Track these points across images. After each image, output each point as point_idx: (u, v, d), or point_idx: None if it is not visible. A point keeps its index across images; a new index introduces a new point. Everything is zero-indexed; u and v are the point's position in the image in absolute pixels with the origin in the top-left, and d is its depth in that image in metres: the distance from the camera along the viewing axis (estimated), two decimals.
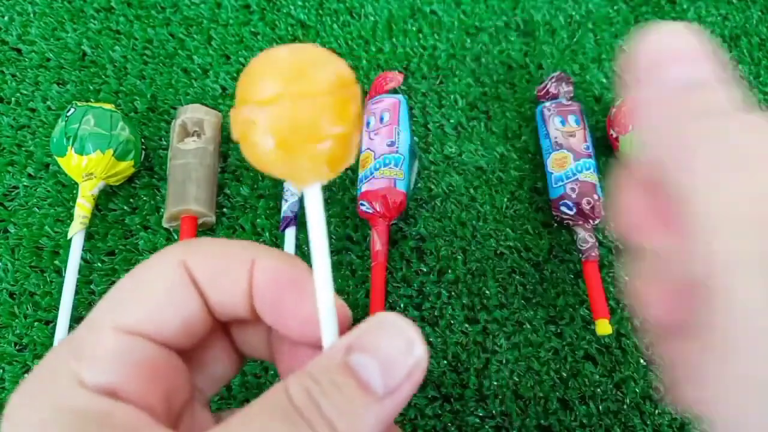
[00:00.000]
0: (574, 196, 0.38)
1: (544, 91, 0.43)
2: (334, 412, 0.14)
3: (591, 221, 0.39)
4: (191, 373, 0.18)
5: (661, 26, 0.16)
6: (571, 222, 0.39)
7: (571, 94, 0.42)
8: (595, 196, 0.38)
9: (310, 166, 0.16)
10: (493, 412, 0.35)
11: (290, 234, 0.38)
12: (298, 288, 0.17)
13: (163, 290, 0.16)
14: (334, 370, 0.15)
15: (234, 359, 0.20)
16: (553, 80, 0.42)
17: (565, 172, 0.39)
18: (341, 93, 0.15)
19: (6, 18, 0.46)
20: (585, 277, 0.38)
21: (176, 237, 0.39)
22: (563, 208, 0.39)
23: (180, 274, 0.17)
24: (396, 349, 0.15)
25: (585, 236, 0.38)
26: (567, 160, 0.39)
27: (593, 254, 0.38)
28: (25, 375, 0.34)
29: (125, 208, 0.40)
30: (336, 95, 0.15)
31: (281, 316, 0.17)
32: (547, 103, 0.42)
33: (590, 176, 0.39)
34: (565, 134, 0.40)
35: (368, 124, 0.41)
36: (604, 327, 0.36)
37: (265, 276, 0.17)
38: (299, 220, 0.39)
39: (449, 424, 0.35)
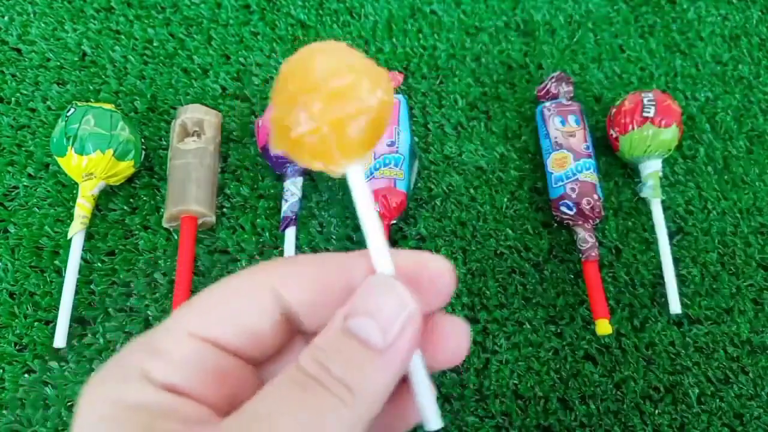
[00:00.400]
0: (574, 196, 0.38)
1: (545, 91, 0.43)
2: (344, 371, 0.15)
3: (591, 221, 0.39)
4: (259, 376, 0.19)
5: None
6: (571, 222, 0.39)
7: (571, 94, 0.42)
8: (595, 196, 0.38)
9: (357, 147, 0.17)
10: (493, 412, 0.35)
11: (290, 234, 0.38)
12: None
13: (248, 313, 0.17)
14: (336, 337, 0.16)
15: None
16: (553, 80, 0.42)
17: (565, 172, 0.39)
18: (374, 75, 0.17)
19: (6, 18, 0.46)
20: (585, 277, 0.38)
21: (176, 237, 0.39)
22: (563, 208, 0.39)
23: (268, 302, 0.17)
24: (388, 307, 0.16)
25: (585, 236, 0.38)
26: (567, 160, 0.39)
27: (593, 254, 0.38)
28: (25, 375, 0.34)
29: (125, 208, 0.40)
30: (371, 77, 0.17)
31: None
32: (547, 103, 0.42)
33: (590, 176, 0.39)
34: (565, 134, 0.40)
35: None
36: (604, 327, 0.36)
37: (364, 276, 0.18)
38: (299, 220, 0.39)
39: (449, 424, 0.35)
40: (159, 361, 0.16)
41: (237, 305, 0.17)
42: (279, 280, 0.17)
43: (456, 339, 0.18)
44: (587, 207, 0.38)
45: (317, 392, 0.15)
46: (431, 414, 0.18)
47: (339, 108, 0.16)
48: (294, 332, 0.18)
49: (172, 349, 0.16)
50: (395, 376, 0.16)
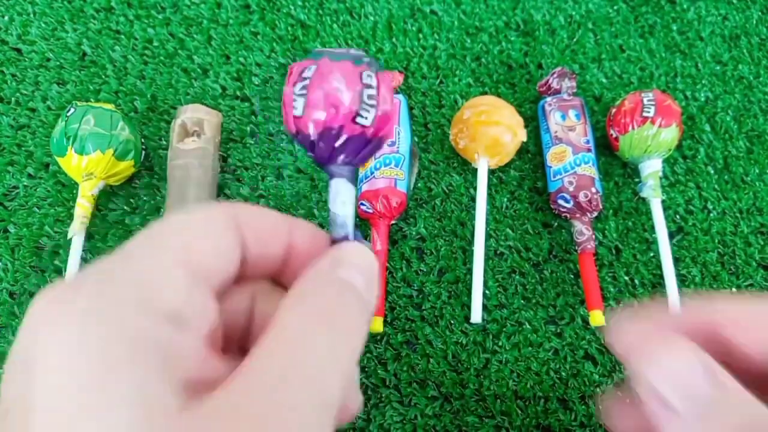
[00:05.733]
0: (571, 189, 0.38)
1: (546, 86, 0.43)
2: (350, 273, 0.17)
3: (588, 214, 0.39)
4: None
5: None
6: (568, 215, 0.39)
7: (574, 89, 0.42)
8: (593, 189, 0.38)
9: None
10: (493, 412, 0.35)
11: None
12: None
13: (220, 243, 0.17)
14: (331, 284, 0.17)
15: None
16: (555, 75, 0.42)
17: (563, 166, 0.39)
18: None
19: (6, 18, 0.46)
20: (580, 269, 0.38)
21: None
22: (560, 201, 0.39)
23: (233, 226, 0.18)
24: (370, 268, 0.18)
25: (581, 228, 0.38)
26: (566, 153, 0.40)
27: (589, 246, 0.38)
28: None
29: (125, 208, 0.40)
30: None
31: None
32: (549, 98, 0.42)
33: (589, 169, 0.39)
34: (564, 129, 0.40)
35: None
36: (597, 318, 0.36)
37: (304, 239, 0.19)
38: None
39: (449, 424, 0.35)
40: (165, 292, 0.15)
41: (216, 237, 0.17)
42: (235, 207, 0.18)
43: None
44: (584, 200, 0.38)
45: (352, 299, 0.17)
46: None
47: None
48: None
49: (172, 279, 0.15)
50: (366, 334, 0.18)
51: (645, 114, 0.39)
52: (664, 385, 0.15)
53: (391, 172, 0.38)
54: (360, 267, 0.18)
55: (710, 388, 0.15)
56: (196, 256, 0.16)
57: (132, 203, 0.40)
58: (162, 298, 0.14)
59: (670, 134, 0.39)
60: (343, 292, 0.17)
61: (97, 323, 0.13)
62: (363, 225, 0.40)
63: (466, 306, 0.38)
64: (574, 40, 0.48)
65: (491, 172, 0.42)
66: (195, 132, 0.40)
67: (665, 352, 0.16)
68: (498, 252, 0.40)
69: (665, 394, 0.15)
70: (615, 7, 0.50)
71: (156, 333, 0.14)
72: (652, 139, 0.39)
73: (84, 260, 0.38)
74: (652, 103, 0.39)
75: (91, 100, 0.43)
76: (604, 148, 0.43)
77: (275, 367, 0.14)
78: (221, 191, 0.41)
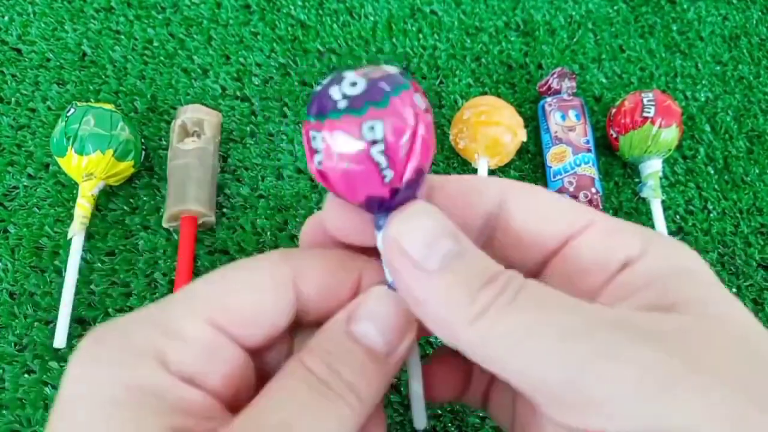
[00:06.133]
0: (571, 189, 0.38)
1: (546, 86, 0.43)
2: (353, 376, 0.15)
3: None
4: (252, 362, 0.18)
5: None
6: None
7: (574, 90, 0.42)
8: (593, 189, 0.38)
9: None
10: None
11: None
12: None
13: (263, 301, 0.17)
14: (342, 341, 0.16)
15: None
16: (555, 76, 0.42)
17: (563, 166, 0.39)
18: None
19: (6, 18, 0.46)
20: None
21: (176, 237, 0.39)
22: None
23: (289, 295, 0.17)
24: (390, 314, 0.17)
25: None
26: (566, 154, 0.40)
27: None
28: (25, 375, 0.34)
29: (125, 208, 0.40)
30: None
31: None
32: (549, 99, 0.42)
33: (589, 170, 0.39)
34: (564, 129, 0.40)
35: None
36: None
37: (372, 282, 0.18)
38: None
39: (449, 424, 0.35)
40: (175, 346, 0.15)
41: (259, 294, 0.17)
42: (297, 271, 0.17)
43: None
44: (584, 200, 0.38)
45: (330, 398, 0.15)
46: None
47: None
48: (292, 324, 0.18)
49: (189, 333, 0.15)
50: (391, 381, 0.17)
51: (645, 114, 0.39)
52: (411, 241, 0.15)
53: None
54: (377, 315, 0.17)
55: (453, 244, 0.15)
56: (230, 313, 0.16)
57: (132, 203, 0.40)
58: (175, 355, 0.15)
59: (670, 134, 0.39)
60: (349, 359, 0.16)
61: (107, 378, 0.14)
62: None
63: None
64: (574, 40, 0.48)
65: (491, 172, 0.42)
66: (195, 132, 0.40)
67: (414, 212, 0.16)
68: None
69: (410, 249, 0.15)
70: (615, 7, 0.50)
71: (159, 387, 0.14)
72: (652, 139, 0.39)
73: (84, 260, 0.38)
74: (652, 103, 0.39)
75: (91, 100, 0.43)
76: (604, 148, 0.43)
77: None
78: (221, 191, 0.41)
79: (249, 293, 0.17)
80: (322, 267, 0.18)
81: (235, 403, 0.16)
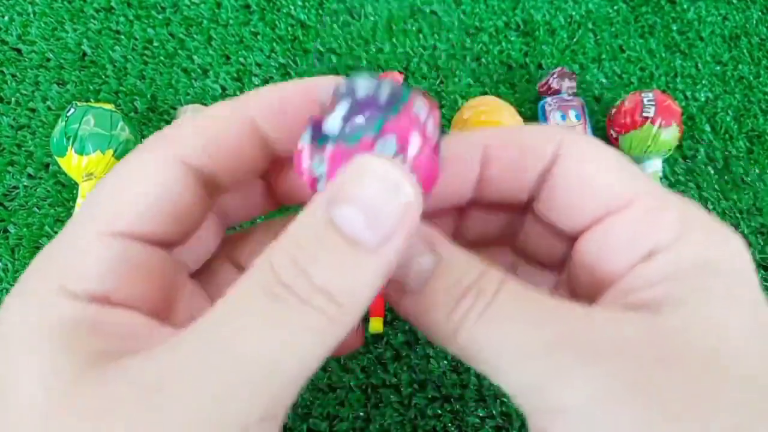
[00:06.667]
0: None
1: (546, 86, 0.43)
2: (327, 277, 0.12)
3: None
4: (179, 261, 0.17)
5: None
6: None
7: (574, 90, 0.42)
8: None
9: None
10: (493, 412, 0.35)
11: None
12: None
13: (154, 188, 0.14)
14: (317, 230, 0.12)
15: (218, 233, 0.19)
16: (555, 76, 0.42)
17: None
18: None
19: (6, 18, 0.46)
20: None
21: None
22: None
23: (173, 168, 0.15)
24: (380, 195, 0.13)
25: None
26: None
27: None
28: None
29: None
30: None
31: None
32: (549, 99, 0.42)
33: None
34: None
35: None
36: None
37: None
38: None
39: (449, 424, 0.35)
40: (70, 270, 0.14)
41: (146, 184, 0.14)
42: (257, 111, 0.16)
43: None
44: None
45: (294, 307, 0.12)
46: None
47: None
48: (208, 204, 0.16)
49: (86, 249, 0.14)
50: (384, 277, 0.13)
51: (645, 114, 0.39)
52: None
53: None
54: (360, 199, 0.13)
55: (431, 257, 0.15)
56: (126, 213, 0.14)
57: None
58: (75, 277, 0.14)
59: (670, 134, 0.39)
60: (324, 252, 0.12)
61: (19, 315, 0.14)
62: None
63: None
64: (574, 40, 0.48)
65: None
66: None
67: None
68: None
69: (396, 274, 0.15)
70: (615, 7, 0.50)
71: (67, 313, 0.13)
72: (652, 139, 0.39)
73: None
74: (652, 103, 0.39)
75: (91, 100, 0.43)
76: None
77: (180, 355, 0.12)
78: None
79: (134, 184, 0.14)
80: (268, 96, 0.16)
81: (166, 307, 0.15)
